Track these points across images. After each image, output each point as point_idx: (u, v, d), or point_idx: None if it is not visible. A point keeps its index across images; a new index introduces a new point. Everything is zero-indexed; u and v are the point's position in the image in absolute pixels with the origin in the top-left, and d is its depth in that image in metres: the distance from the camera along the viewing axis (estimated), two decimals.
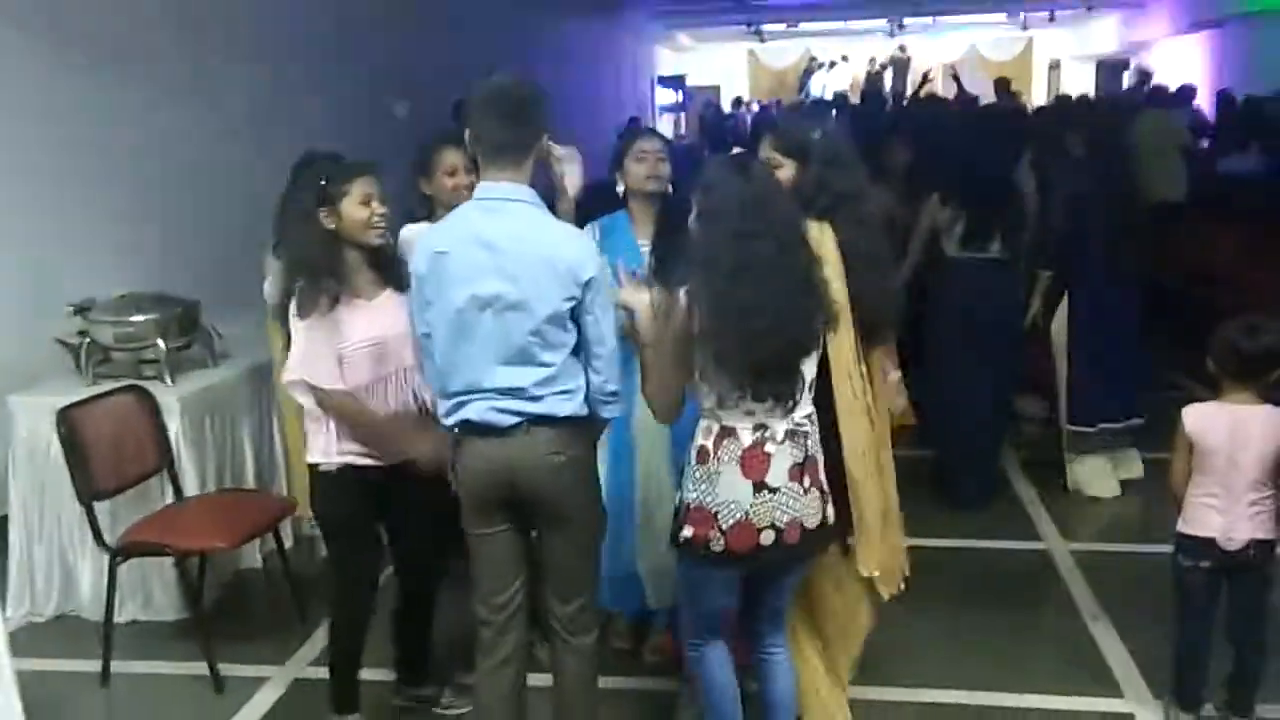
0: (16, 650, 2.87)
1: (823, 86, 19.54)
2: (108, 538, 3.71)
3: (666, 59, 22.25)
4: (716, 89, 22.23)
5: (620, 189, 3.51)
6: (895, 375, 3.35)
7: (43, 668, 3.67)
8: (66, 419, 3.66)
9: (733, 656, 2.91)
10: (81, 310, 4.19)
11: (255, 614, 4.31)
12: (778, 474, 2.61)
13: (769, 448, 2.60)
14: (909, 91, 15.41)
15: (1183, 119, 9.36)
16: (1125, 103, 9.79)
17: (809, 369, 2.64)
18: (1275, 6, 12.28)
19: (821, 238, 2.89)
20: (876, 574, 3.06)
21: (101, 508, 3.76)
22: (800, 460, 2.64)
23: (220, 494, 4.20)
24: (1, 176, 4.78)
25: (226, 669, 3.71)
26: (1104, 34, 20.21)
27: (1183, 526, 3.21)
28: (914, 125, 7.16)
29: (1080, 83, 19.16)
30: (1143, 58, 17.42)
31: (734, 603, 2.81)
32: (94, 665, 3.73)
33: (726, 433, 2.61)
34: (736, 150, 3.29)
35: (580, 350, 2.68)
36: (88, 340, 4.19)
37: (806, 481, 2.65)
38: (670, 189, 3.47)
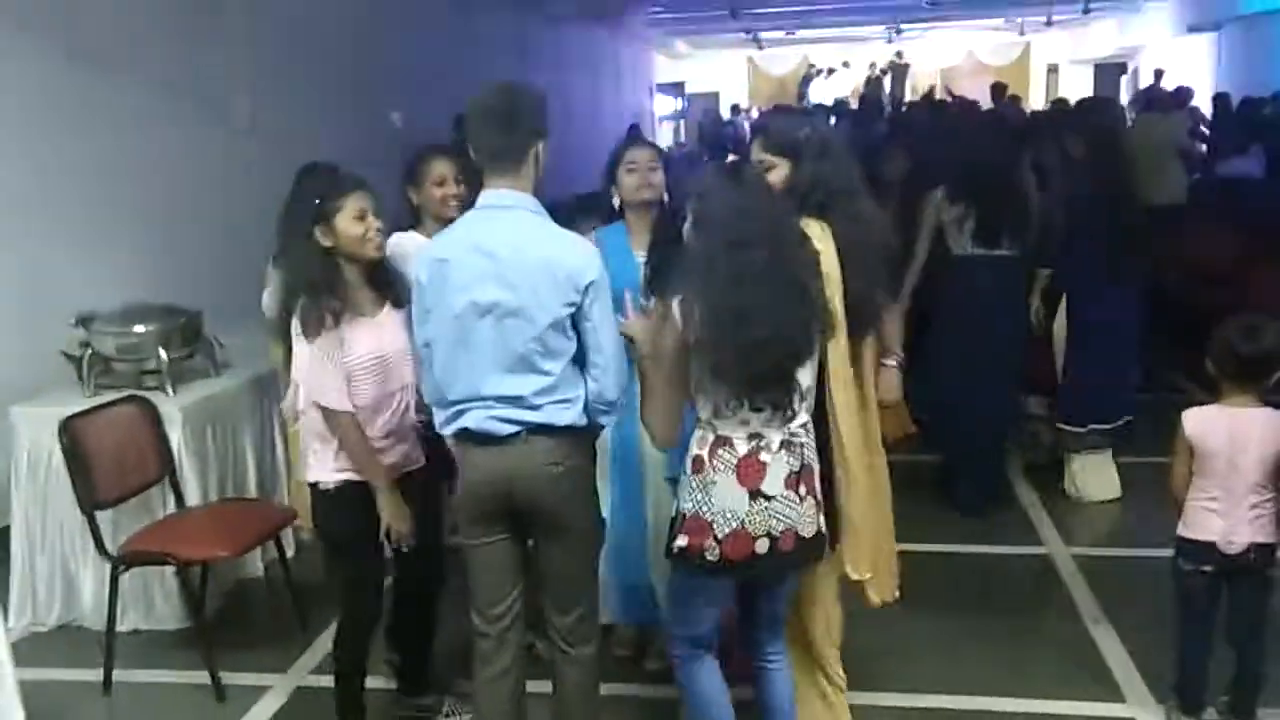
0: (19, 660, 2.89)
1: (821, 93, 19.57)
2: (110, 547, 3.72)
3: (665, 66, 22.28)
4: (715, 96, 22.28)
5: (615, 201, 3.52)
6: (891, 365, 3.35)
7: (45, 677, 3.67)
8: (69, 429, 3.67)
9: (726, 668, 2.89)
10: (84, 321, 4.20)
11: (257, 623, 4.31)
12: (774, 482, 2.59)
13: (764, 457, 2.59)
14: (907, 98, 15.46)
15: (1181, 122, 9.38)
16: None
17: (805, 377, 2.62)
18: (1275, 7, 12.30)
19: (821, 236, 2.89)
20: (868, 576, 3.04)
21: (103, 517, 3.77)
22: (796, 469, 2.62)
23: (222, 503, 4.21)
24: (3, 187, 4.79)
25: (228, 678, 3.71)
26: (1101, 38, 20.25)
27: (1183, 530, 3.21)
28: (912, 130, 7.19)
29: (1078, 86, 19.19)
30: (1140, 61, 17.45)
31: (718, 617, 2.78)
32: (96, 674, 3.74)
33: (721, 442, 2.60)
34: (731, 158, 3.30)
35: (580, 359, 2.69)
36: (90, 351, 4.19)
37: (802, 490, 2.63)
38: (666, 197, 3.48)
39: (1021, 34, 22.53)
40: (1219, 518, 3.12)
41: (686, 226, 2.63)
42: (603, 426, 2.84)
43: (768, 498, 2.59)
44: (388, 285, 3.12)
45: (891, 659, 3.69)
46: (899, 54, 21.05)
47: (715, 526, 2.58)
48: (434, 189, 3.50)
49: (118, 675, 3.75)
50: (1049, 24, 20.95)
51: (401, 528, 3.04)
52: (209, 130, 6.13)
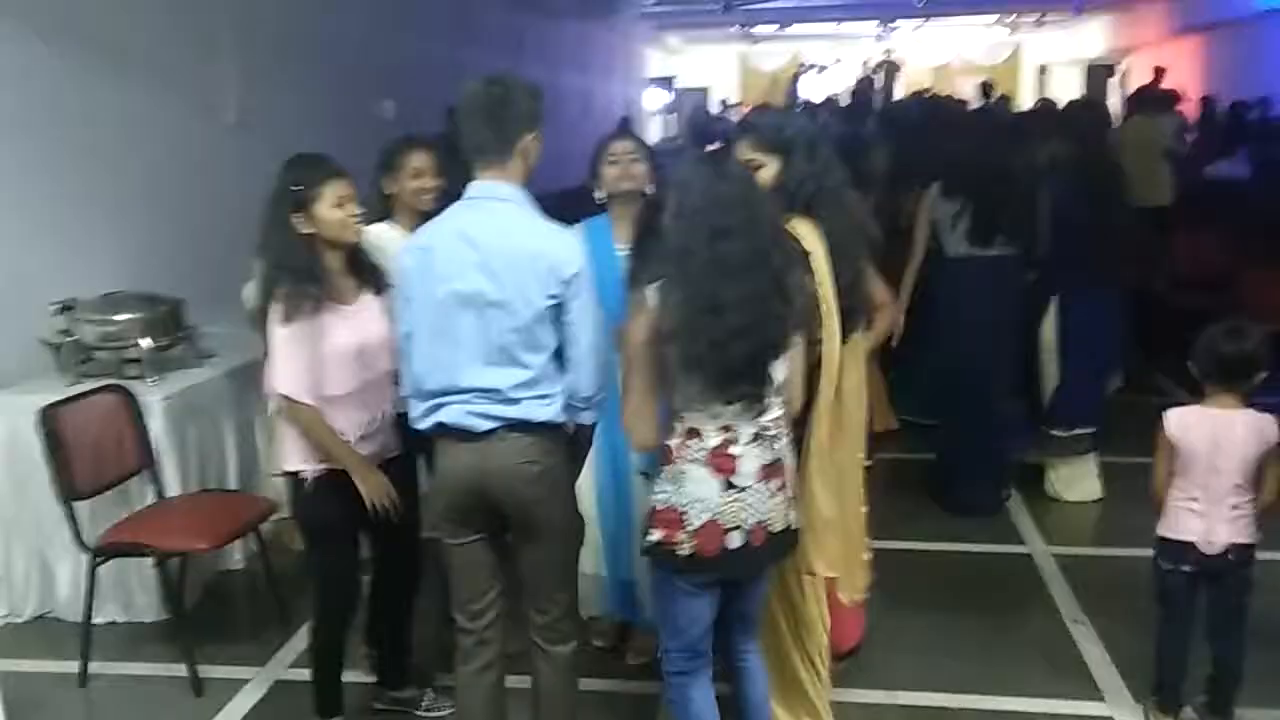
0: None
1: (812, 90, 19.58)
2: (87, 538, 3.69)
3: (657, 61, 22.25)
4: (706, 91, 22.26)
5: (599, 194, 3.51)
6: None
7: (21, 668, 3.66)
8: (48, 418, 3.64)
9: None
10: (65, 309, 4.18)
11: (236, 615, 4.30)
12: (746, 473, 2.57)
13: (734, 450, 2.57)
14: (898, 95, 15.44)
15: (1169, 124, 9.40)
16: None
17: (779, 371, 2.59)
18: (1266, 8, 12.33)
19: (809, 234, 2.89)
20: (831, 574, 3.03)
21: (81, 508, 3.74)
22: (769, 461, 2.60)
23: (202, 494, 4.18)
24: None
25: (206, 670, 3.70)
26: (1092, 38, 20.29)
27: (1163, 530, 3.22)
28: (897, 124, 7.20)
29: (1069, 87, 19.23)
30: (1130, 62, 17.50)
31: (708, 620, 2.73)
32: (73, 666, 3.71)
33: (692, 434, 2.57)
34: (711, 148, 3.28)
35: (561, 354, 2.67)
36: (71, 339, 4.17)
37: (774, 483, 2.62)
38: (649, 189, 3.47)
39: (1012, 34, 22.58)
40: (1199, 518, 3.13)
41: (666, 216, 2.59)
42: (584, 426, 2.79)
43: (740, 489, 2.56)
44: (367, 272, 3.12)
45: (871, 656, 3.69)
46: (888, 51, 21.06)
47: (686, 519, 2.56)
48: (410, 181, 3.49)
49: (94, 667, 3.73)
50: (1040, 24, 21.02)
51: (384, 499, 3.03)
52: (194, 121, 6.08)
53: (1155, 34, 16.65)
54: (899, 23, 20.92)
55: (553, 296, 2.59)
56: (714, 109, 19.76)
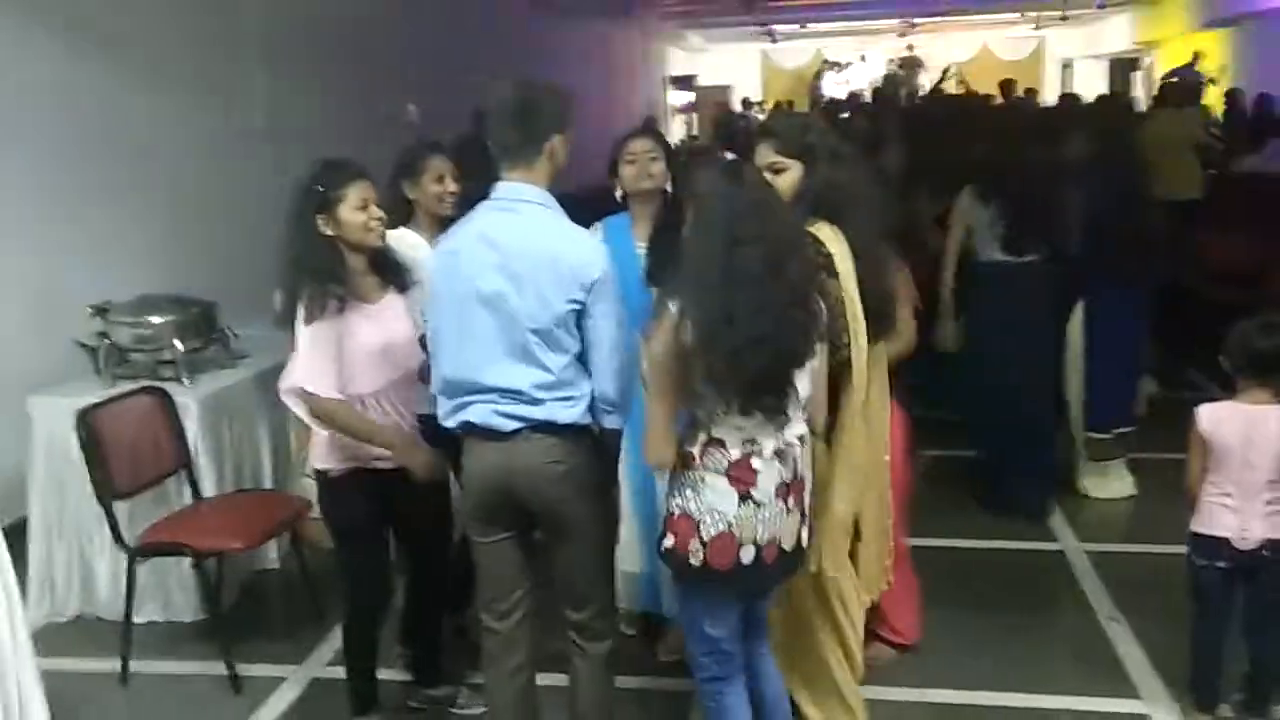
0: (37, 650, 2.91)
1: (835, 87, 19.55)
2: (126, 538, 3.74)
3: (678, 59, 22.26)
4: (728, 89, 22.25)
5: (618, 193, 3.53)
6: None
7: (63, 668, 3.69)
8: (86, 420, 3.69)
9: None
10: (100, 312, 4.23)
11: (273, 614, 4.35)
12: (765, 489, 2.53)
13: (756, 463, 2.53)
14: (921, 92, 15.40)
15: (1196, 117, 9.34)
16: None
17: (802, 383, 2.55)
18: None
19: (832, 238, 2.88)
20: (831, 574, 2.99)
21: (120, 508, 3.78)
22: (788, 479, 2.57)
23: (237, 494, 4.23)
24: (21, 178, 4.83)
25: (245, 669, 3.74)
26: (1116, 32, 20.16)
27: (1196, 526, 3.21)
28: (914, 123, 7.19)
29: (1093, 82, 19.12)
30: (1155, 56, 17.38)
31: (734, 624, 2.71)
32: (113, 665, 3.76)
33: (714, 443, 2.53)
34: (730, 157, 3.27)
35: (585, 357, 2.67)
36: (106, 342, 4.22)
37: (791, 501, 2.58)
38: (669, 188, 3.48)
39: (1036, 29, 22.45)
40: (1233, 514, 3.12)
41: (686, 227, 2.57)
42: (612, 430, 2.77)
43: (758, 504, 2.53)
44: (391, 271, 3.14)
45: (904, 653, 3.69)
46: (910, 47, 20.99)
47: (702, 527, 2.53)
48: (432, 185, 3.52)
49: (135, 666, 3.77)
50: (1064, 19, 20.88)
51: (433, 472, 3.03)
52: (224, 126, 6.16)
53: (1180, 27, 16.52)
54: (921, 20, 20.84)
55: (574, 301, 2.59)
56: (736, 107, 19.75)
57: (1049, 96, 17.94)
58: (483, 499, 2.75)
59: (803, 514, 2.65)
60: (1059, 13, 20.39)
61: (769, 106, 18.97)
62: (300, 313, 2.96)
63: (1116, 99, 9.44)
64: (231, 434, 4.33)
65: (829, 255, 2.85)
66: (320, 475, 3.12)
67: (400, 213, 3.51)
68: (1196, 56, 12.55)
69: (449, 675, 3.55)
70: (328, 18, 7.38)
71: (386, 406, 3.09)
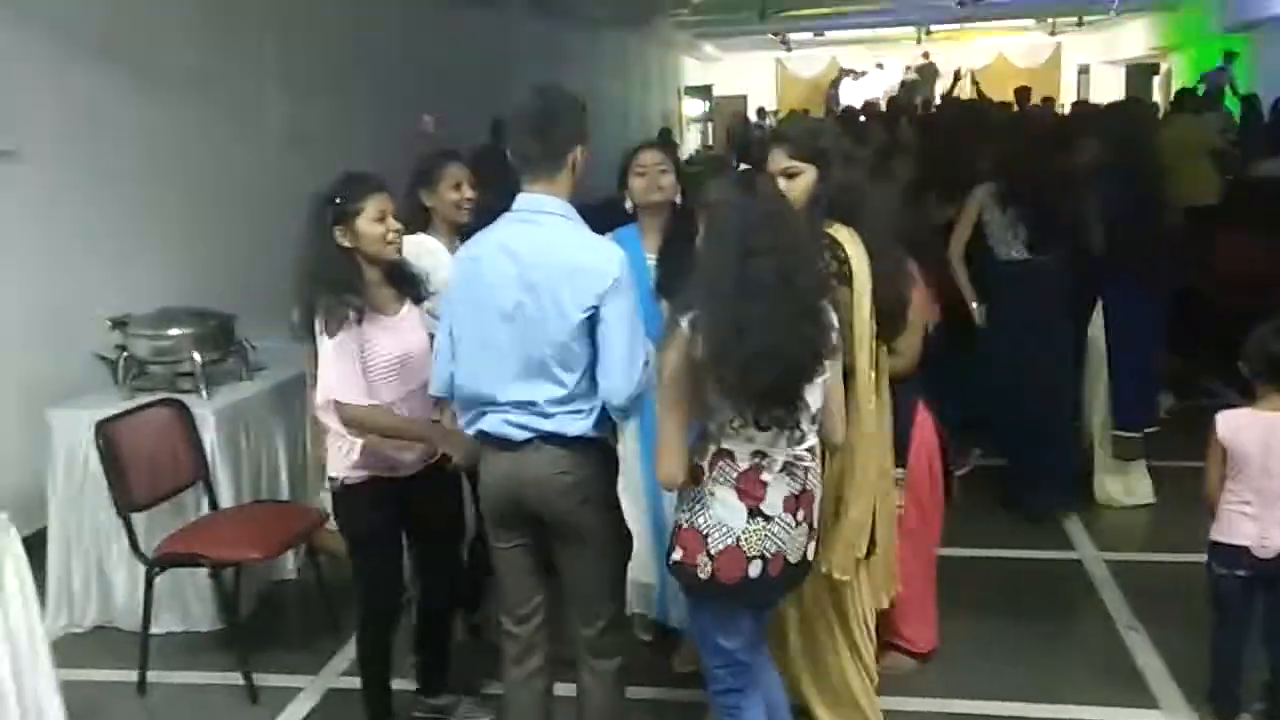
0: (55, 660, 2.93)
1: (852, 95, 19.53)
2: (144, 549, 3.76)
3: (693, 69, 22.28)
4: (744, 99, 22.25)
5: (629, 205, 3.54)
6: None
7: (81, 678, 3.70)
8: (104, 432, 3.71)
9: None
10: (119, 324, 4.26)
11: (290, 624, 4.36)
12: (773, 503, 2.52)
13: (765, 476, 2.52)
14: (936, 99, 15.36)
15: (1214, 121, 9.29)
16: None
17: (813, 397, 2.52)
18: None
19: (850, 240, 2.88)
20: (841, 578, 2.99)
21: (138, 519, 3.81)
22: (796, 492, 2.56)
23: (254, 505, 4.24)
24: (39, 192, 4.87)
25: (261, 679, 3.75)
26: (1133, 38, 20.08)
27: (1215, 534, 3.19)
28: (926, 130, 7.18)
29: (1110, 87, 19.04)
30: (1173, 61, 17.30)
31: (749, 633, 2.69)
32: (131, 675, 3.78)
33: (723, 455, 2.52)
34: (744, 167, 3.27)
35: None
36: (125, 354, 4.25)
37: (800, 515, 2.57)
38: (679, 200, 3.49)
39: (1052, 35, 22.38)
40: (1252, 521, 3.10)
41: (698, 238, 2.56)
42: (614, 427, 2.77)
43: (766, 518, 2.52)
44: (406, 283, 3.16)
45: (922, 663, 3.68)
46: (925, 54, 20.96)
47: (709, 540, 2.52)
48: (450, 193, 3.57)
49: (153, 676, 3.79)
50: (1080, 24, 20.81)
51: (462, 448, 2.98)
52: (242, 139, 6.20)
53: (1198, 33, 16.44)
54: (937, 27, 20.80)
55: (590, 309, 2.58)
56: (752, 116, 19.75)
57: (1066, 103, 17.90)
58: (496, 506, 2.77)
59: (811, 527, 2.64)
60: (1075, 19, 20.34)
61: (784, 115, 18.97)
62: (319, 325, 2.97)
63: (1139, 102, 9.37)
64: (249, 445, 4.36)
65: (846, 258, 2.85)
66: (336, 483, 3.13)
67: (418, 221, 3.55)
68: (1228, 58, 12.43)
69: (453, 684, 3.54)
70: (344, 33, 7.43)
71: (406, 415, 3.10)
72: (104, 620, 4.20)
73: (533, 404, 2.63)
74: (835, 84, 21.26)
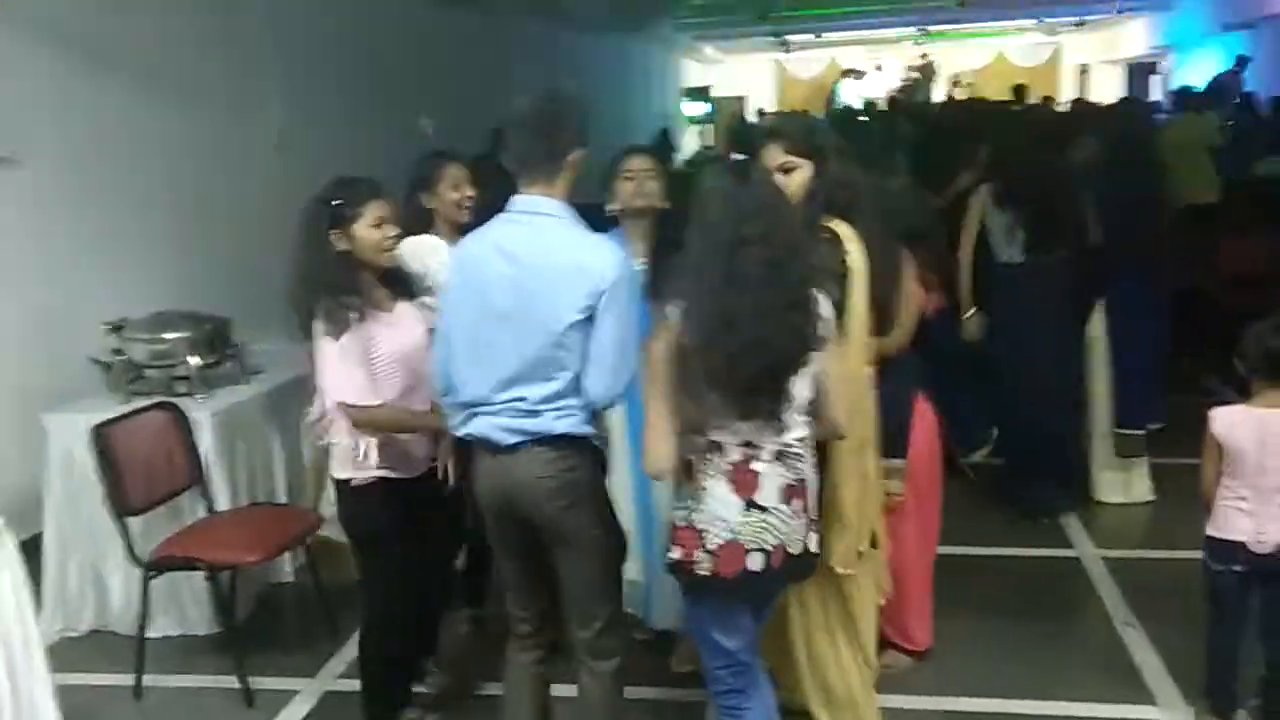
0: (51, 664, 2.93)
1: (852, 95, 19.52)
2: (140, 552, 3.75)
3: (693, 71, 22.27)
4: (743, 100, 22.24)
5: (615, 207, 3.53)
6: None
7: (77, 682, 3.71)
8: (100, 436, 3.71)
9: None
10: (115, 328, 4.26)
11: (286, 627, 4.36)
12: (768, 494, 2.51)
13: (756, 465, 2.50)
14: (935, 99, 15.35)
15: (1214, 120, 9.28)
16: None
17: (801, 388, 2.51)
18: None
19: (851, 236, 2.88)
20: (848, 572, 3.00)
21: (134, 523, 3.80)
22: (792, 482, 2.54)
23: (251, 508, 4.24)
24: (35, 196, 4.88)
25: (257, 682, 3.75)
26: (1133, 38, 20.06)
27: (1212, 530, 3.19)
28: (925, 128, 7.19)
29: (1110, 87, 19.02)
30: (1172, 60, 17.29)
31: (750, 632, 2.68)
32: (128, 679, 3.78)
33: (712, 447, 2.51)
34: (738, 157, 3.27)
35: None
36: (121, 358, 4.24)
37: (796, 505, 2.55)
38: (665, 205, 3.48)
39: (1052, 35, 22.35)
40: (1248, 517, 3.10)
41: (690, 224, 2.54)
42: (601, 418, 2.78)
43: (762, 509, 2.50)
44: (400, 284, 3.17)
45: (920, 660, 3.68)
46: (924, 55, 20.96)
47: (706, 537, 2.51)
48: (450, 193, 3.58)
49: (149, 680, 3.79)
50: (1080, 24, 20.79)
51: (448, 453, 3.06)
52: (238, 144, 6.20)
53: (1198, 32, 16.43)
54: (936, 27, 20.78)
55: (586, 308, 2.57)
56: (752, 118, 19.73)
57: (1065, 103, 17.88)
58: (490, 510, 2.77)
59: (810, 518, 2.62)
60: (1075, 20, 20.31)
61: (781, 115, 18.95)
62: (318, 329, 2.97)
63: (1138, 100, 9.39)
64: (245, 449, 4.35)
65: (842, 253, 2.85)
66: (342, 484, 3.13)
67: (421, 224, 3.55)
68: (1241, 62, 12.43)
69: (420, 698, 3.48)
70: (343, 35, 7.44)
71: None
72: (100, 624, 4.20)
73: (522, 401, 2.63)
74: (837, 84, 21.23)
